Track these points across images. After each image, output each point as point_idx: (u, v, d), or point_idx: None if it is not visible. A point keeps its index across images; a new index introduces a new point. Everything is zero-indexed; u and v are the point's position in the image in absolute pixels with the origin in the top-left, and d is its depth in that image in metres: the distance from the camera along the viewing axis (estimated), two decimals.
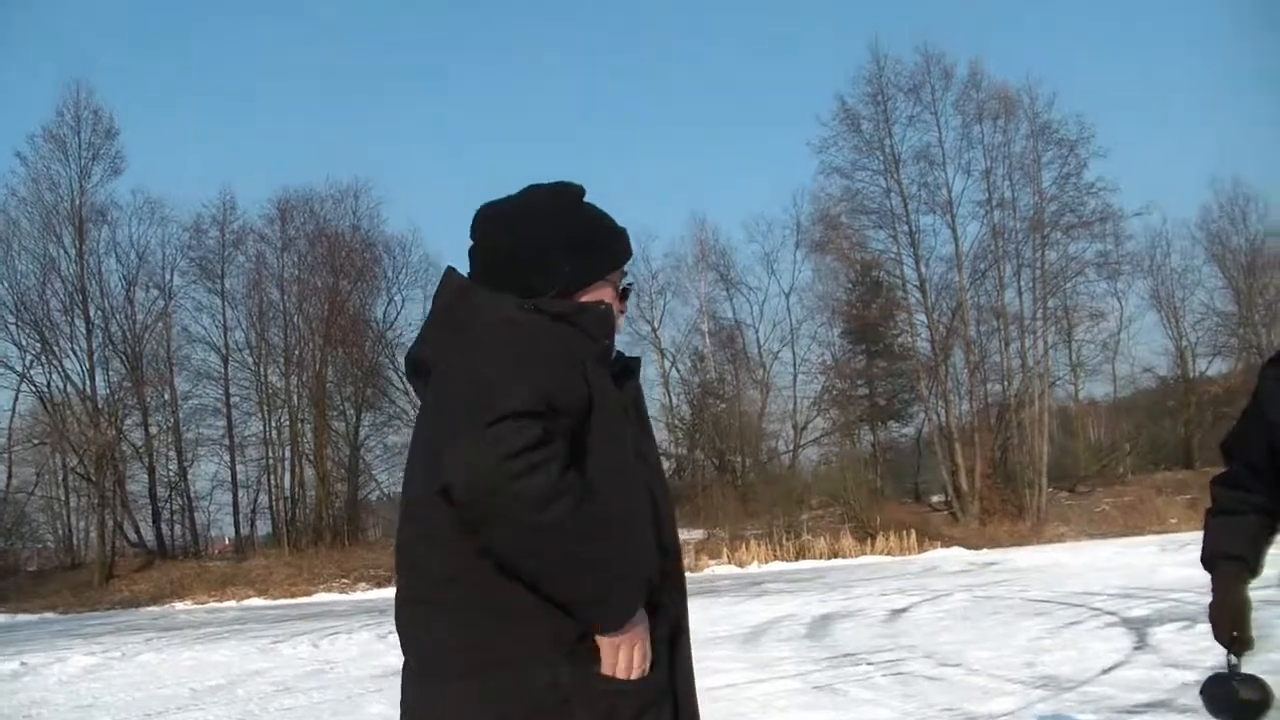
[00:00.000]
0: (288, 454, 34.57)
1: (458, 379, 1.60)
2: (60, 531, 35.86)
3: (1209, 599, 2.45)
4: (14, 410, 33.40)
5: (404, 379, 33.89)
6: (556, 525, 1.47)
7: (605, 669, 1.57)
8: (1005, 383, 31.46)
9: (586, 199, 1.86)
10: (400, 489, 1.83)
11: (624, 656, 1.58)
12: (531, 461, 1.47)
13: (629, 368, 1.81)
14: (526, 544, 1.50)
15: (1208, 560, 2.48)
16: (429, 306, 1.83)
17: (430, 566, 1.62)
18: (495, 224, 1.81)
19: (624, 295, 1.87)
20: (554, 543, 1.49)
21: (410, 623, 1.68)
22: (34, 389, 32.85)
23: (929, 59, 30.81)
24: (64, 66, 64.48)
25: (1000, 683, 6.94)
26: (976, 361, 31.49)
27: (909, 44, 32.18)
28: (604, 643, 1.57)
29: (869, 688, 7.19)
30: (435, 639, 1.63)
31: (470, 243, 1.84)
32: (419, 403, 1.80)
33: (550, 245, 1.75)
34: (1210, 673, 2.42)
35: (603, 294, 1.80)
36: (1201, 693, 2.37)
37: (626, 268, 1.88)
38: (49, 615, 25.15)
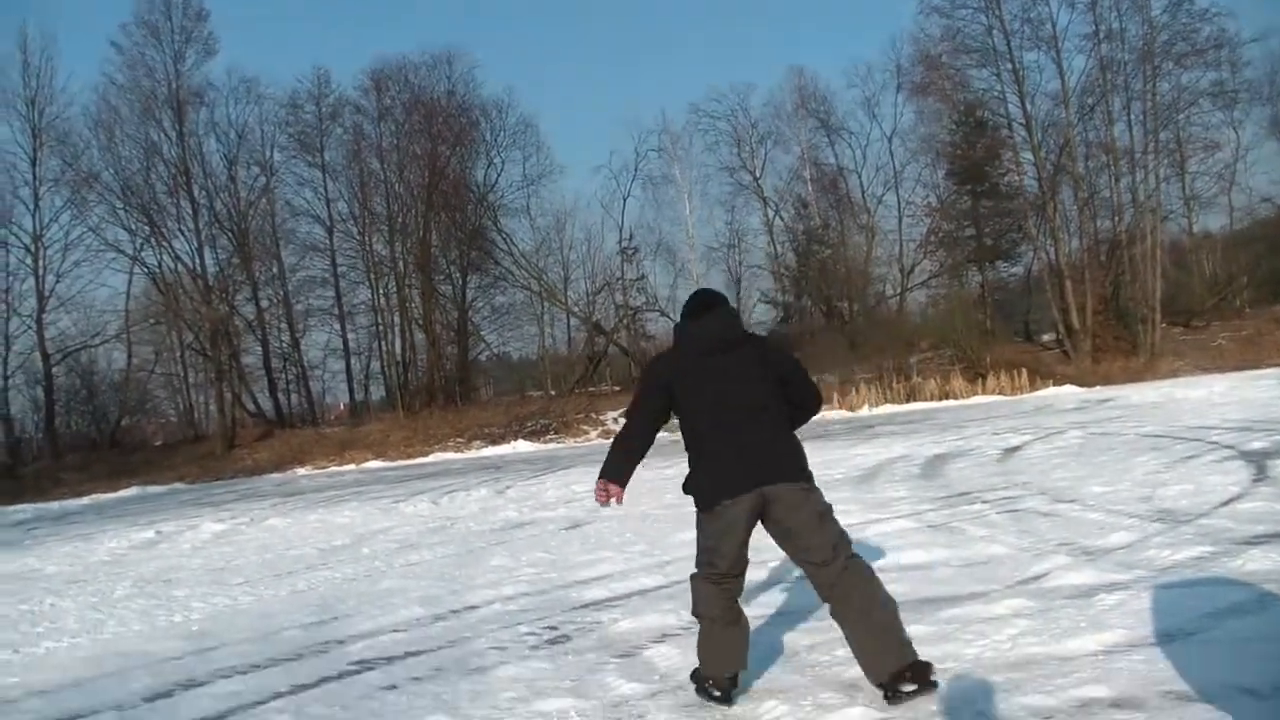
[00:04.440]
0: (397, 319, 35.20)
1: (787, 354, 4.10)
2: (182, 406, 37.26)
3: None
4: (129, 293, 34.52)
5: (507, 241, 34.89)
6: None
7: None
8: (1116, 218, 30.76)
9: None
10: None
11: None
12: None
13: None
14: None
15: None
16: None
17: (774, 412, 3.83)
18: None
19: None
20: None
21: (767, 424, 3.79)
22: (146, 271, 33.80)
23: None
24: None
25: (1116, 517, 6.83)
26: (1086, 198, 30.85)
27: None
28: None
29: (984, 525, 7.19)
30: (780, 425, 3.86)
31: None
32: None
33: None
34: None
35: None
36: None
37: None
38: (178, 486, 25.86)
